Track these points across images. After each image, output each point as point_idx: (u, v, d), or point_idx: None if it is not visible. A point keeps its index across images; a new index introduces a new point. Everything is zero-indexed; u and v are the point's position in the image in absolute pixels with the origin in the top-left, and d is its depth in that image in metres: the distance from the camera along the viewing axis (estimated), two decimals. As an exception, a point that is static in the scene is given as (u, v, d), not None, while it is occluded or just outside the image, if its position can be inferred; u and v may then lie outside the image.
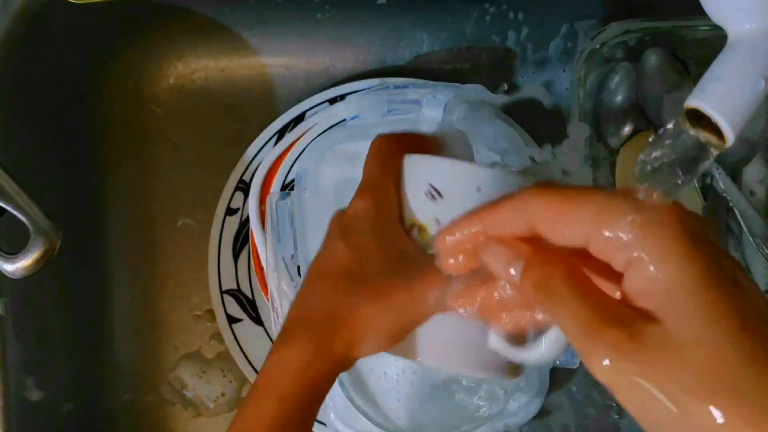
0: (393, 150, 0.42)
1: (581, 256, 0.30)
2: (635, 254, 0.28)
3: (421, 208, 0.41)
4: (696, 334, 0.27)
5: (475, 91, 0.60)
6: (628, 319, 0.28)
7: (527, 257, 0.30)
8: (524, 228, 0.30)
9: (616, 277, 0.30)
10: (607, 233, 0.28)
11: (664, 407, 0.27)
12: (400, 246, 0.40)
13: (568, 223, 0.29)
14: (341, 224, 0.41)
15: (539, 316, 0.33)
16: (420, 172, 0.41)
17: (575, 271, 0.30)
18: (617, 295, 0.30)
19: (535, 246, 0.30)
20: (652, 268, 0.28)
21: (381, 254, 0.40)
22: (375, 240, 0.40)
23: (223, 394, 0.65)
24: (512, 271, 0.30)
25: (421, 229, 0.41)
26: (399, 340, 0.40)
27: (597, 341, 0.28)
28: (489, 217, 0.32)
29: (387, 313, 0.39)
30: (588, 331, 0.28)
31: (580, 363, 0.61)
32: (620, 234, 0.28)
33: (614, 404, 0.64)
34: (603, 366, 0.27)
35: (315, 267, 0.42)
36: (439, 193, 0.40)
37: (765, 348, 0.26)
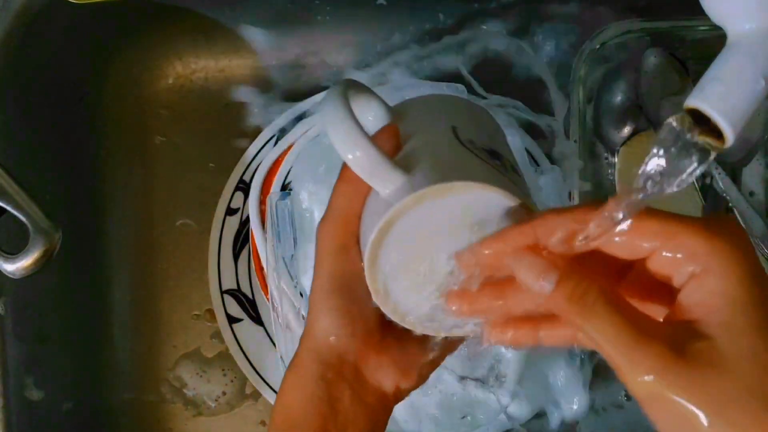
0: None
1: (615, 276, 0.31)
2: (702, 266, 0.29)
3: None
4: (750, 350, 0.27)
5: (456, 91, 0.59)
6: (672, 336, 0.28)
7: (562, 270, 0.30)
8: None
9: (647, 297, 0.30)
10: (677, 245, 0.29)
11: (700, 425, 0.27)
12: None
13: (638, 235, 0.30)
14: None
15: (541, 334, 0.33)
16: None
17: (610, 288, 0.30)
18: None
19: (570, 262, 0.30)
20: (716, 281, 0.28)
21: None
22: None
23: (224, 393, 0.65)
24: (544, 282, 0.30)
25: None
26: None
27: (639, 356, 0.28)
28: (544, 228, 0.31)
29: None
30: (629, 346, 0.28)
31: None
32: (691, 246, 0.29)
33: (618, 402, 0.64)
34: (643, 381, 0.28)
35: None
36: None
37: None
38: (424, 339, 0.38)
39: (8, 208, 0.50)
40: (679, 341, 0.28)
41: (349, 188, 0.37)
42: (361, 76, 0.64)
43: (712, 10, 0.35)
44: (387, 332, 0.38)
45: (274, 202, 0.59)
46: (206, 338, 0.66)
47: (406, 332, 0.38)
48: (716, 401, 0.27)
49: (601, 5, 0.63)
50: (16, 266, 0.50)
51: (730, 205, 0.60)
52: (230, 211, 0.64)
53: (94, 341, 0.66)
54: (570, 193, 0.59)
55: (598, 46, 0.58)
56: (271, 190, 0.63)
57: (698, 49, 0.59)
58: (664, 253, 0.30)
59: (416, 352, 0.39)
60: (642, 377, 0.27)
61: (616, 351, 0.28)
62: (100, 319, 0.66)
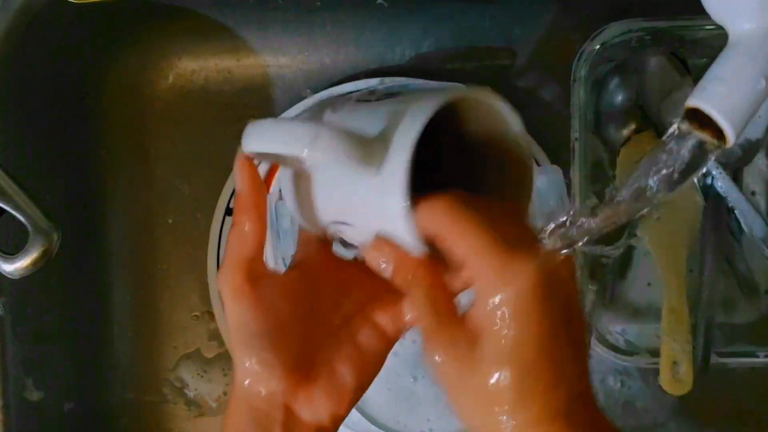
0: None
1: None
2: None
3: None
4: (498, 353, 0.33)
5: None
6: (458, 328, 0.34)
7: (396, 260, 0.35)
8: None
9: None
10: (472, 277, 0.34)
11: (464, 395, 0.34)
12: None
13: (453, 249, 0.34)
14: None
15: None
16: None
17: (430, 279, 0.35)
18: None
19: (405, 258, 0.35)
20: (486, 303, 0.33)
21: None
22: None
23: (225, 393, 0.65)
24: (386, 268, 0.35)
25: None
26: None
27: (434, 338, 0.34)
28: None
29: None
30: (431, 327, 0.35)
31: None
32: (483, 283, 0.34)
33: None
34: (432, 357, 0.34)
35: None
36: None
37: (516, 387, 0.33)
38: (354, 354, 0.39)
39: (8, 208, 0.50)
40: (461, 332, 0.34)
41: (235, 232, 0.38)
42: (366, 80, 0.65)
43: (713, 10, 0.35)
44: (313, 362, 0.38)
45: (274, 202, 0.59)
46: (206, 338, 0.66)
47: (335, 354, 0.38)
48: (471, 393, 0.34)
49: (601, 5, 0.63)
50: (15, 266, 0.49)
51: (731, 205, 0.60)
52: (230, 211, 0.64)
53: (94, 341, 0.66)
54: (570, 193, 0.59)
55: (598, 46, 0.58)
56: (271, 190, 0.62)
57: (699, 48, 0.59)
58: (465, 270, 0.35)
59: (346, 372, 0.39)
60: (431, 354, 0.34)
61: (423, 327, 0.35)
62: (100, 319, 0.66)
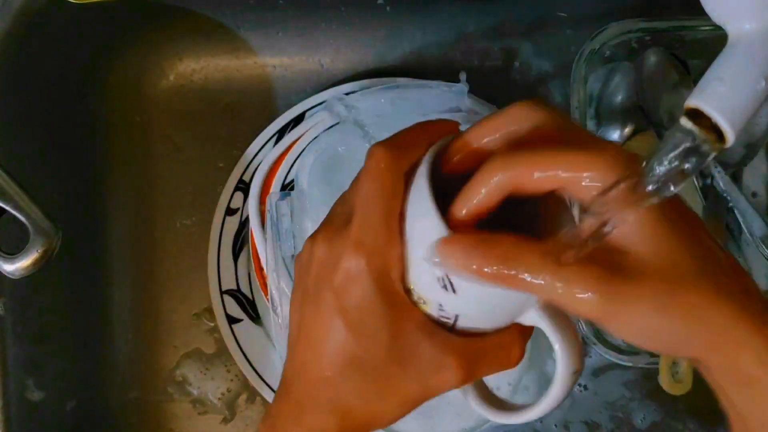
0: (398, 174, 0.35)
1: None
2: None
3: (427, 285, 0.35)
4: (667, 250, 0.32)
5: (458, 91, 0.59)
6: (601, 257, 0.31)
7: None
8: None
9: None
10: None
11: (654, 319, 0.31)
12: (404, 320, 0.35)
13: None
14: (334, 290, 0.35)
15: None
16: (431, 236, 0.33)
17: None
18: None
19: None
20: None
21: (386, 334, 0.35)
22: (379, 317, 0.35)
23: (228, 390, 0.65)
24: None
25: (422, 300, 0.35)
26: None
27: (581, 279, 0.31)
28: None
29: (400, 407, 0.37)
30: (569, 274, 0.31)
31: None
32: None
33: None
34: (590, 300, 0.31)
35: (306, 343, 0.37)
36: (454, 290, 0.34)
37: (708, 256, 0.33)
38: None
39: (8, 208, 0.50)
40: (609, 259, 0.32)
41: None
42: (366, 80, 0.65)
43: (713, 10, 0.35)
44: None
45: (274, 202, 0.59)
46: (207, 338, 0.66)
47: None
48: (654, 297, 0.31)
49: (601, 5, 0.63)
50: (15, 266, 0.49)
51: (730, 204, 0.60)
52: (230, 211, 0.64)
53: (94, 342, 0.66)
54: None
55: (598, 46, 0.58)
56: (271, 190, 0.62)
57: (698, 48, 0.59)
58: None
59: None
60: (587, 297, 0.31)
61: (557, 283, 0.31)
62: (100, 319, 0.66)
